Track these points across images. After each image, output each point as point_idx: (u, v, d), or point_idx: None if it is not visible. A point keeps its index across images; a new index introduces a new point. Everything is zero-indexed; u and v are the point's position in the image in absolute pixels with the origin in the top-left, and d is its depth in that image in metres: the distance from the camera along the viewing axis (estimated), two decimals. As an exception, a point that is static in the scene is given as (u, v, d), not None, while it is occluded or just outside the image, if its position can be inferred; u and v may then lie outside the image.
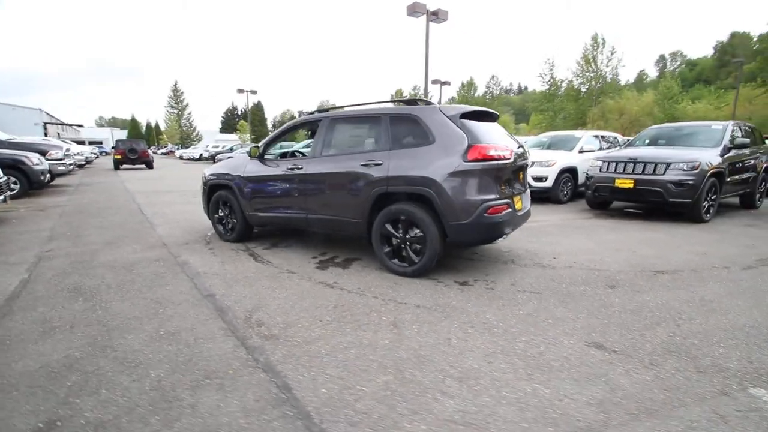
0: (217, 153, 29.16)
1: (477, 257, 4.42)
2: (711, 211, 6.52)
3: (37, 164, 9.38)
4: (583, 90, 41.76)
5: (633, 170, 6.66)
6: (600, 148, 9.61)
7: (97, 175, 17.32)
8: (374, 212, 3.85)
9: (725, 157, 6.66)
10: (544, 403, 1.91)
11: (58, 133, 41.65)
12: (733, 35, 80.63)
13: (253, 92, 32.88)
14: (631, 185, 6.61)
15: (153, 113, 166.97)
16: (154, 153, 38.80)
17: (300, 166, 4.32)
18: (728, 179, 6.77)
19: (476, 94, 58.78)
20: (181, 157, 37.33)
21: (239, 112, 78.12)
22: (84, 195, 10.23)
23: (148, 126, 65.52)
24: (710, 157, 6.40)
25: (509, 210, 3.58)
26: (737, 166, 7.03)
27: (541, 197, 8.72)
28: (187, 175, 17.51)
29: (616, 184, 6.81)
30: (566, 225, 6.40)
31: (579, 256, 4.48)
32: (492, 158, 3.42)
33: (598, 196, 7.36)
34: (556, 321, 2.80)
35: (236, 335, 2.61)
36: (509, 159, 3.58)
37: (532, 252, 4.62)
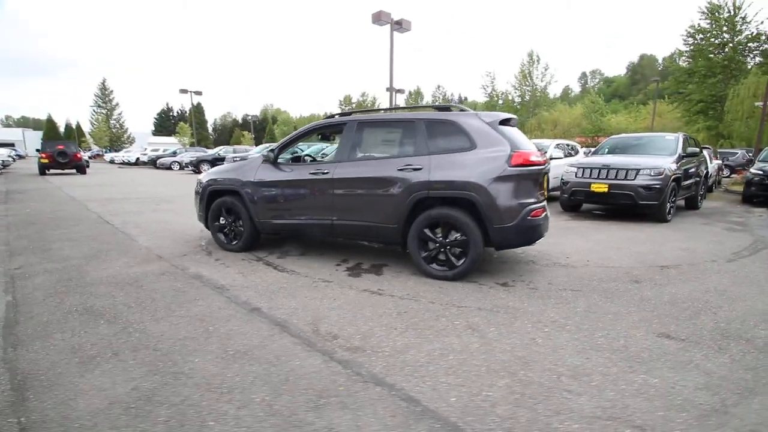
0: (159, 157, 26.96)
1: (495, 259, 4.55)
2: (671, 212, 7.33)
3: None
4: (520, 102, 44.92)
5: (607, 176, 7.28)
6: (565, 155, 10.39)
7: (23, 182, 15.17)
8: (411, 217, 3.82)
9: (680, 164, 7.54)
10: (661, 392, 2.02)
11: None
12: (642, 57, 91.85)
13: (198, 93, 30.87)
14: (606, 189, 7.22)
15: (73, 113, 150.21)
16: (79, 157, 34.84)
17: (326, 171, 4.15)
18: (682, 184, 7.67)
19: (422, 101, 60.70)
20: (112, 161, 33.92)
21: (175, 114, 73.04)
22: (22, 204, 8.90)
23: (68, 126, 58.65)
24: (670, 164, 7.21)
25: (546, 213, 3.74)
26: (688, 172, 7.99)
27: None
28: (135, 181, 15.96)
29: (591, 189, 7.40)
30: (553, 227, 6.80)
31: (588, 255, 4.79)
32: (533, 164, 3.56)
33: (574, 200, 7.94)
34: (615, 316, 2.98)
35: (317, 350, 2.43)
36: (544, 165, 3.75)
37: (544, 253, 4.86)
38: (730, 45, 29.46)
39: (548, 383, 2.09)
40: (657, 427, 1.76)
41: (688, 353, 2.43)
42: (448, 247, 3.73)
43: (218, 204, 4.83)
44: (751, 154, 19.05)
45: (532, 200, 3.57)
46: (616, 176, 7.19)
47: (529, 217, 3.54)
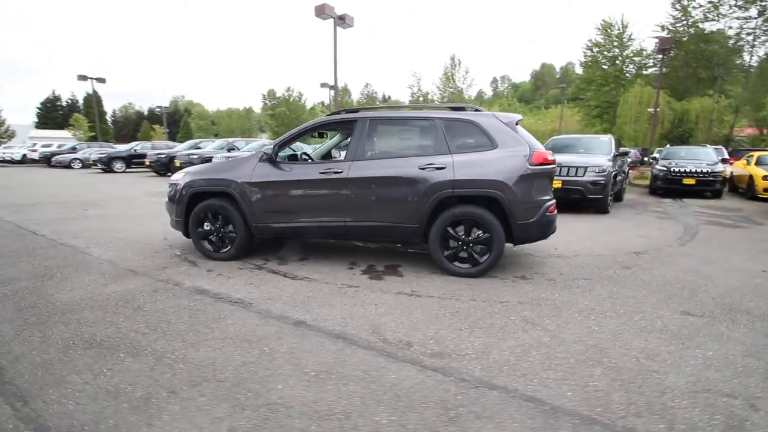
0: (55, 153, 23.03)
1: (497, 254, 4.75)
2: (610, 204, 8.33)
3: None
4: (438, 102, 47.38)
5: (559, 173, 8.01)
6: None
7: None
8: (433, 216, 3.80)
9: (614, 162, 8.59)
10: (722, 362, 2.29)
11: None
12: (543, 65, 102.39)
13: (101, 80, 26.72)
14: (560, 185, 7.94)
15: None
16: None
17: (339, 170, 3.92)
18: (616, 179, 8.75)
19: (350, 99, 60.61)
20: (-14, 160, 28.05)
21: (64, 104, 63.04)
22: None
23: None
24: (608, 162, 8.18)
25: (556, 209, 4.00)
26: (620, 169, 9.15)
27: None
28: (34, 183, 13.39)
29: (547, 184, 8.09)
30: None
31: (570, 246, 5.22)
32: (549, 162, 3.77)
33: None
34: (635, 300, 3.30)
35: (402, 360, 2.30)
36: (554, 164, 4.00)
37: (534, 246, 5.18)
38: (620, 58, 34.24)
39: (634, 367, 2.24)
40: (741, 393, 2.00)
41: (715, 327, 2.79)
42: (471, 245, 3.79)
43: (203, 208, 4.30)
44: (641, 154, 22.40)
45: (549, 197, 3.79)
46: (567, 173, 7.94)
47: (547, 213, 3.75)
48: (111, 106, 76.15)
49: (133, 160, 18.74)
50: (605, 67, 34.49)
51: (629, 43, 34.11)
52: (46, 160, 22.87)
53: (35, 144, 26.38)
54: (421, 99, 46.88)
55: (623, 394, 1.99)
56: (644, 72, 34.25)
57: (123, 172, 18.42)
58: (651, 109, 24.54)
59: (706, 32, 30.53)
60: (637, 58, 34.32)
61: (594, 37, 34.77)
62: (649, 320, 2.89)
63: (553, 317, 2.92)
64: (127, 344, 2.48)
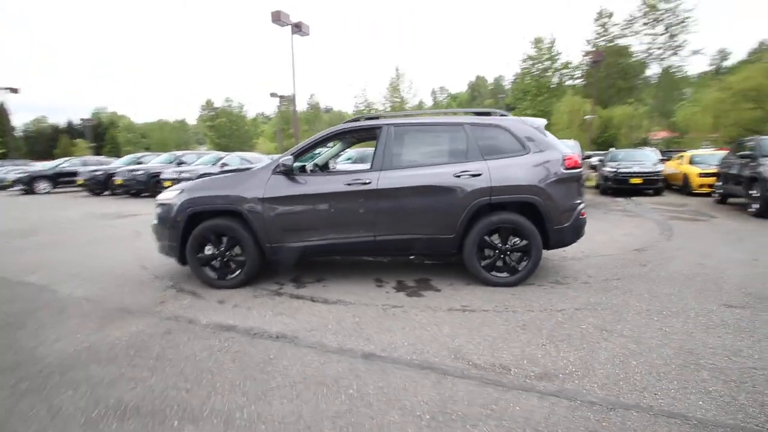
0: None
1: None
2: (582, 204, 8.80)
3: None
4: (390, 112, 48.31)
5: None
6: None
7: None
8: (469, 225, 3.64)
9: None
10: (803, 355, 2.37)
11: None
12: (478, 77, 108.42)
13: (14, 90, 23.27)
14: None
15: None
16: None
17: (367, 180, 3.62)
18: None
19: (296, 109, 59.32)
20: None
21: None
22: None
23: None
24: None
25: None
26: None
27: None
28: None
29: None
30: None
31: (574, 247, 5.33)
32: (579, 166, 3.79)
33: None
34: (677, 297, 3.37)
35: (513, 387, 2.08)
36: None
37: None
38: (551, 69, 37.17)
39: (731, 365, 2.23)
40: None
41: (757, 316, 2.91)
42: (508, 253, 3.68)
43: (204, 230, 3.75)
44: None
45: (580, 200, 3.80)
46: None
47: (580, 216, 3.76)
48: (19, 120, 67.67)
49: (59, 179, 16.55)
50: (539, 78, 37.25)
51: (558, 56, 37.25)
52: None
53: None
54: (366, 110, 47.27)
55: (747, 395, 1.94)
56: (572, 83, 37.55)
57: (48, 192, 16.18)
58: (588, 117, 26.75)
59: (622, 47, 34.27)
60: (565, 70, 37.55)
61: (527, 51, 37.51)
62: (705, 316, 2.95)
63: (619, 322, 2.87)
64: (173, 407, 1.99)
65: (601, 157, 15.40)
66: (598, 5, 37.93)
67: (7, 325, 3.03)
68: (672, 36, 31.94)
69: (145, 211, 9.65)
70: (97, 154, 43.13)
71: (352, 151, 10.55)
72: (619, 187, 12.21)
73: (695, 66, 37.97)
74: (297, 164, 4.04)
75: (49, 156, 41.62)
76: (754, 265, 4.30)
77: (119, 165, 15.62)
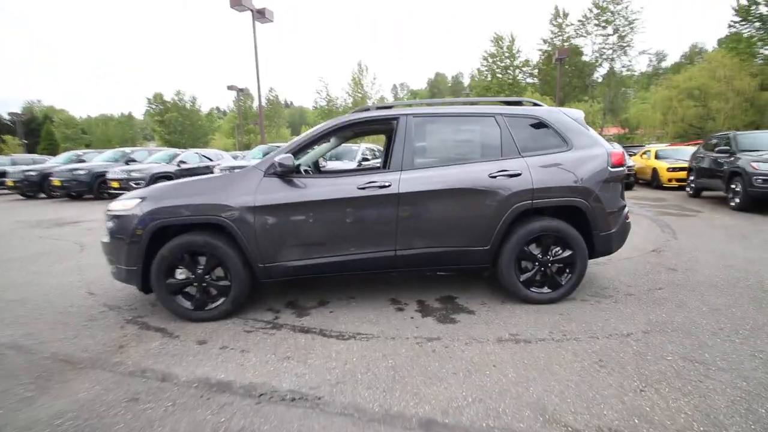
0: None
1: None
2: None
3: None
4: (353, 106, 47.49)
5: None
6: (374, 158, 10.60)
7: None
8: (507, 234, 3.08)
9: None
10: None
11: None
12: (437, 74, 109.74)
13: None
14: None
15: None
16: None
17: (387, 183, 2.94)
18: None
19: (253, 105, 56.77)
20: None
21: None
22: None
23: None
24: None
25: None
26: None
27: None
28: None
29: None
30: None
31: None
32: (624, 164, 3.33)
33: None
34: (735, 307, 3.01)
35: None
36: None
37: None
38: (511, 68, 37.94)
39: None
40: None
41: None
42: (549, 265, 3.16)
43: (176, 248, 2.91)
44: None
45: (625, 202, 3.35)
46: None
47: (626, 221, 3.32)
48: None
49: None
50: (499, 75, 37.95)
51: (518, 54, 38.09)
52: None
53: None
54: (327, 106, 46.20)
55: None
56: (532, 81, 38.59)
57: (-34, 196, 13.92)
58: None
59: (576, 46, 35.60)
60: (525, 68, 38.49)
61: (488, 49, 38.09)
62: (787, 334, 2.58)
63: (702, 348, 2.42)
64: None
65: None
66: (554, 5, 39.12)
67: None
68: (621, 37, 33.62)
69: (89, 217, 8.33)
70: (31, 152, 38.77)
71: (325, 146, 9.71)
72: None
73: (640, 66, 40.18)
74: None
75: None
76: (781, 265, 4.10)
77: (57, 163, 13.74)
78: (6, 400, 2.08)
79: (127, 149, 14.50)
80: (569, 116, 3.28)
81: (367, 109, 3.30)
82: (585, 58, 36.27)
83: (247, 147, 39.60)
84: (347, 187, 2.97)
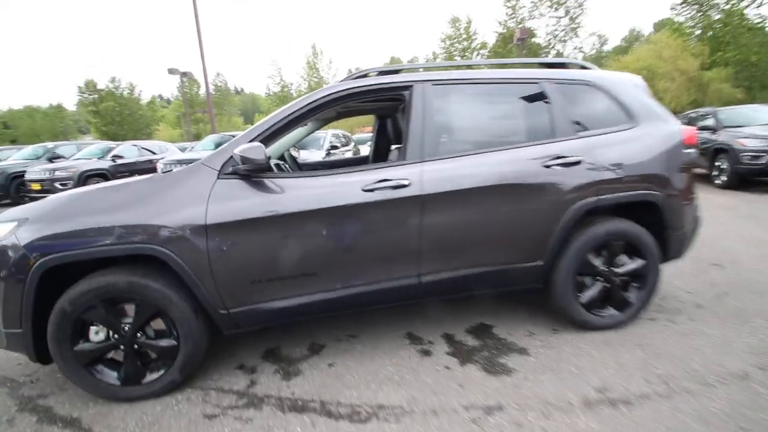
0: None
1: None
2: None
3: None
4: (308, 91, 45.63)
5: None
6: (343, 145, 10.14)
7: None
8: (565, 242, 2.29)
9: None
10: None
11: None
12: (392, 59, 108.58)
13: None
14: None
15: None
16: None
17: (404, 181, 2.02)
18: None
19: (200, 91, 52.84)
20: None
21: None
22: None
23: None
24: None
25: None
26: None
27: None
28: None
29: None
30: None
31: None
32: (696, 143, 2.62)
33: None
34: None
35: None
36: None
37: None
38: (469, 50, 37.66)
39: None
40: None
41: None
42: (617, 279, 2.41)
43: (84, 297, 1.85)
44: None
45: (695, 192, 2.66)
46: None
47: (697, 214, 2.63)
48: None
49: None
50: (457, 58, 37.51)
51: (475, 36, 37.82)
52: None
53: None
54: (282, 91, 44.00)
55: None
56: (488, 63, 38.52)
57: None
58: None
59: (529, 28, 35.82)
60: (483, 51, 38.32)
61: (445, 30, 37.57)
62: None
63: None
64: None
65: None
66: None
67: None
68: (572, 19, 34.17)
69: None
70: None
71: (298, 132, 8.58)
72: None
73: (586, 49, 41.29)
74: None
75: None
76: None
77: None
78: None
79: (50, 144, 12.43)
80: (632, 83, 2.51)
81: (365, 75, 2.32)
82: (539, 41, 36.63)
83: (198, 138, 36.74)
84: (346, 190, 2.02)
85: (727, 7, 26.46)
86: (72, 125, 58.40)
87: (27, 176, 9.56)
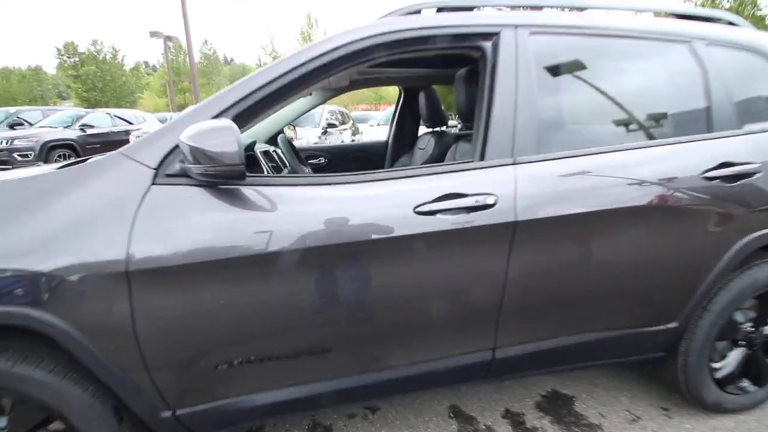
0: None
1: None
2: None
3: None
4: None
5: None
6: (340, 123, 9.40)
7: None
8: (713, 294, 1.48)
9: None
10: None
11: None
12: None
13: None
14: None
15: None
16: None
17: (488, 199, 1.17)
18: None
19: (187, 59, 50.27)
20: None
21: None
22: None
23: None
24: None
25: None
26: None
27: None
28: None
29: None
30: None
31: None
32: None
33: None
34: None
35: None
36: None
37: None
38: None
39: None
40: None
41: None
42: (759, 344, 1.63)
43: None
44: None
45: None
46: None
47: None
48: None
49: None
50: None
51: None
52: None
53: None
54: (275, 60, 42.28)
55: None
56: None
57: None
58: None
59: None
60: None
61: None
62: None
63: None
64: None
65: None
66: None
67: None
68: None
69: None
70: None
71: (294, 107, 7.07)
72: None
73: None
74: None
75: None
76: None
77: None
78: None
79: (12, 108, 11.18)
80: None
81: (418, 11, 1.40)
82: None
83: (183, 108, 35.02)
84: (387, 210, 1.15)
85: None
86: (51, 90, 55.59)
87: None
